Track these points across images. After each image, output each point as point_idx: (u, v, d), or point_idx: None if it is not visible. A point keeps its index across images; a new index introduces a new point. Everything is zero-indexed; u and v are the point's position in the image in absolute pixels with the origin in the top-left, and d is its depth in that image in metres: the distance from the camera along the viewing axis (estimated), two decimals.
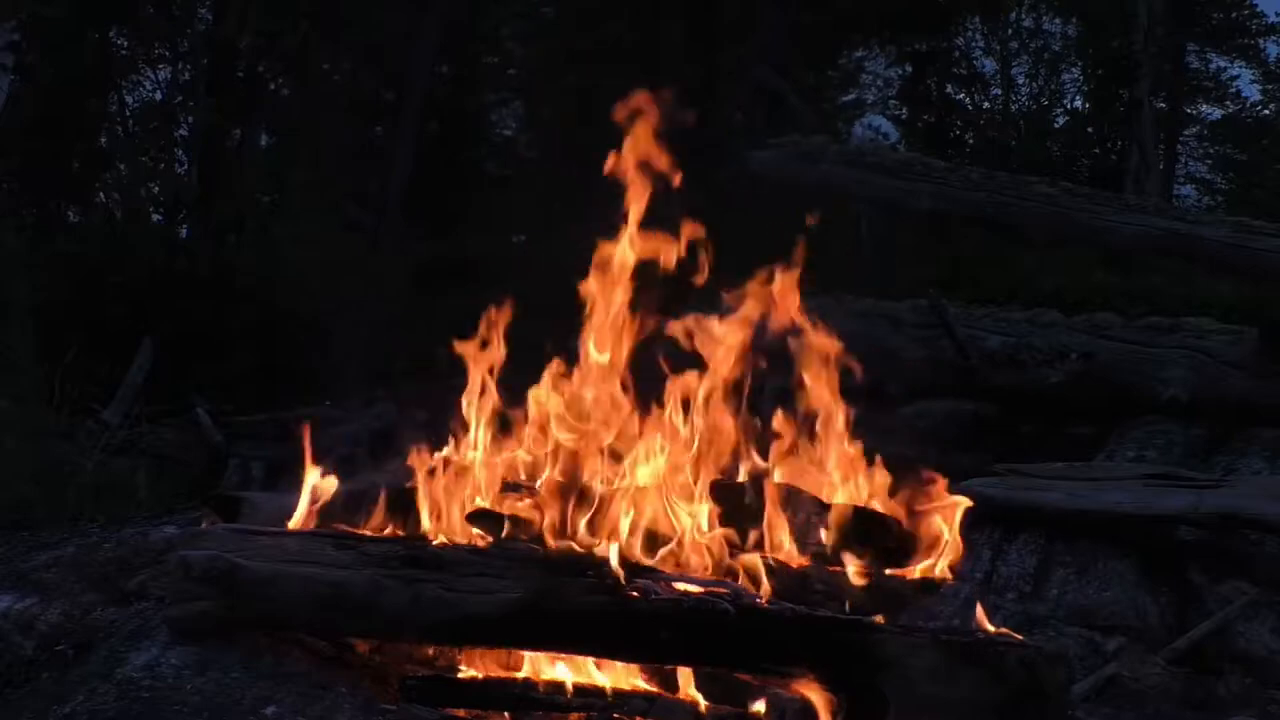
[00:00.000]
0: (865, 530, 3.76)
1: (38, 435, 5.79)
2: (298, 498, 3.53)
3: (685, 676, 3.13)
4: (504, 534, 3.34)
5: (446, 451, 3.63)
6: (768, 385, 4.02)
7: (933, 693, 2.80)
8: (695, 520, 3.52)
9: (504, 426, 3.76)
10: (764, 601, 3.02)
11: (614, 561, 3.01)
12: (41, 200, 14.29)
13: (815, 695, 2.94)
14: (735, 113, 12.93)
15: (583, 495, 3.46)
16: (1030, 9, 22.08)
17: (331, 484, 3.51)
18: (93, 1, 13.00)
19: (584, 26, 13.68)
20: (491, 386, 3.73)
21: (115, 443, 6.31)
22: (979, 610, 3.15)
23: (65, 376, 6.34)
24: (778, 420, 3.89)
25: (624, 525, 3.41)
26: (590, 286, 3.78)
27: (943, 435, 5.66)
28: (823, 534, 3.72)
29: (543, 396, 3.76)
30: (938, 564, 3.69)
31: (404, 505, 3.53)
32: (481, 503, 3.48)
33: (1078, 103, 22.27)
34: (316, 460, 3.50)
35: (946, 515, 3.69)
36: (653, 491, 3.55)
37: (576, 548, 3.17)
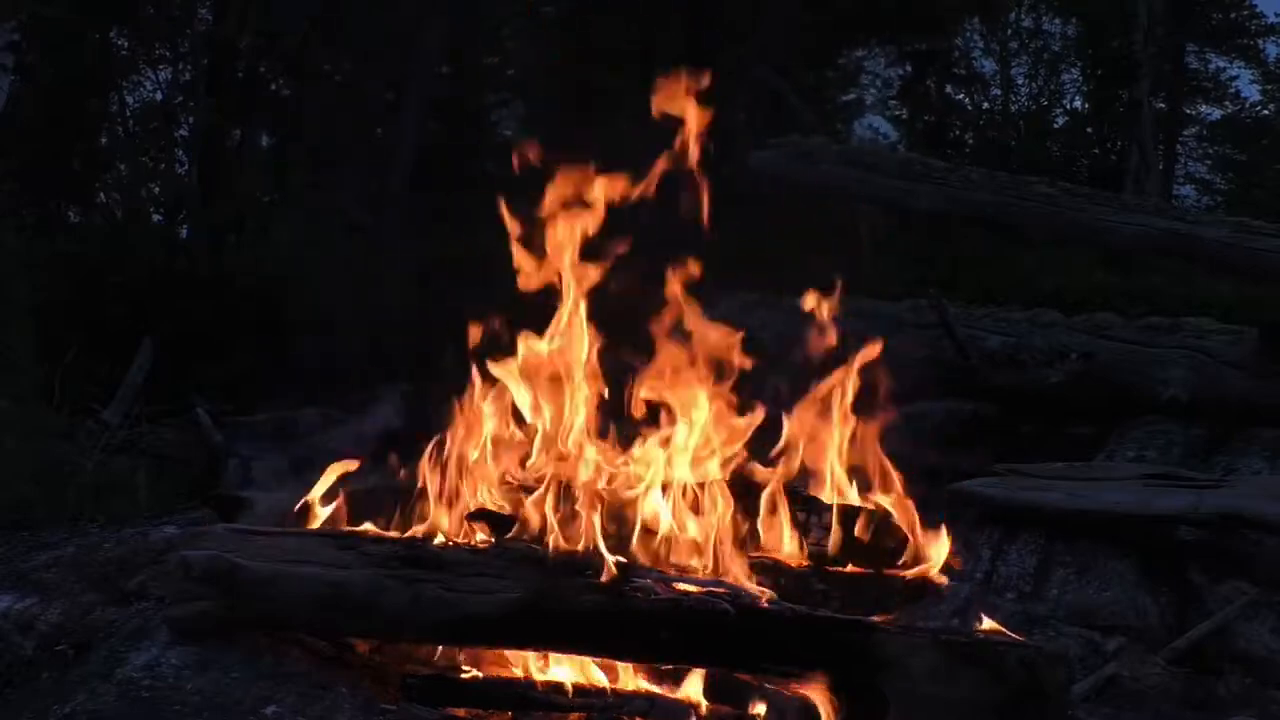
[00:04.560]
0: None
1: (38, 435, 5.78)
2: (298, 498, 3.53)
3: (690, 677, 3.13)
4: (505, 534, 3.34)
5: (447, 451, 3.64)
6: (768, 384, 4.03)
7: (933, 693, 2.80)
8: (696, 521, 3.52)
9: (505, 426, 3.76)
10: (764, 601, 3.03)
11: (613, 562, 3.01)
12: (41, 200, 14.28)
13: (815, 695, 2.94)
14: (735, 113, 12.93)
15: (583, 495, 3.46)
16: (1030, 9, 22.07)
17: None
18: (93, 1, 13.00)
19: (584, 26, 13.68)
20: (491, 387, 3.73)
21: (115, 443, 6.30)
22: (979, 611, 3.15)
23: (65, 376, 6.34)
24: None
25: (624, 525, 3.41)
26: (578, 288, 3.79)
27: (943, 435, 5.65)
28: (823, 534, 3.73)
29: (543, 396, 3.77)
30: (931, 567, 3.70)
31: (405, 505, 3.53)
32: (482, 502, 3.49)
33: (1078, 103, 22.27)
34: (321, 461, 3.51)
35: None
36: (654, 491, 3.55)
37: (576, 548, 3.17)
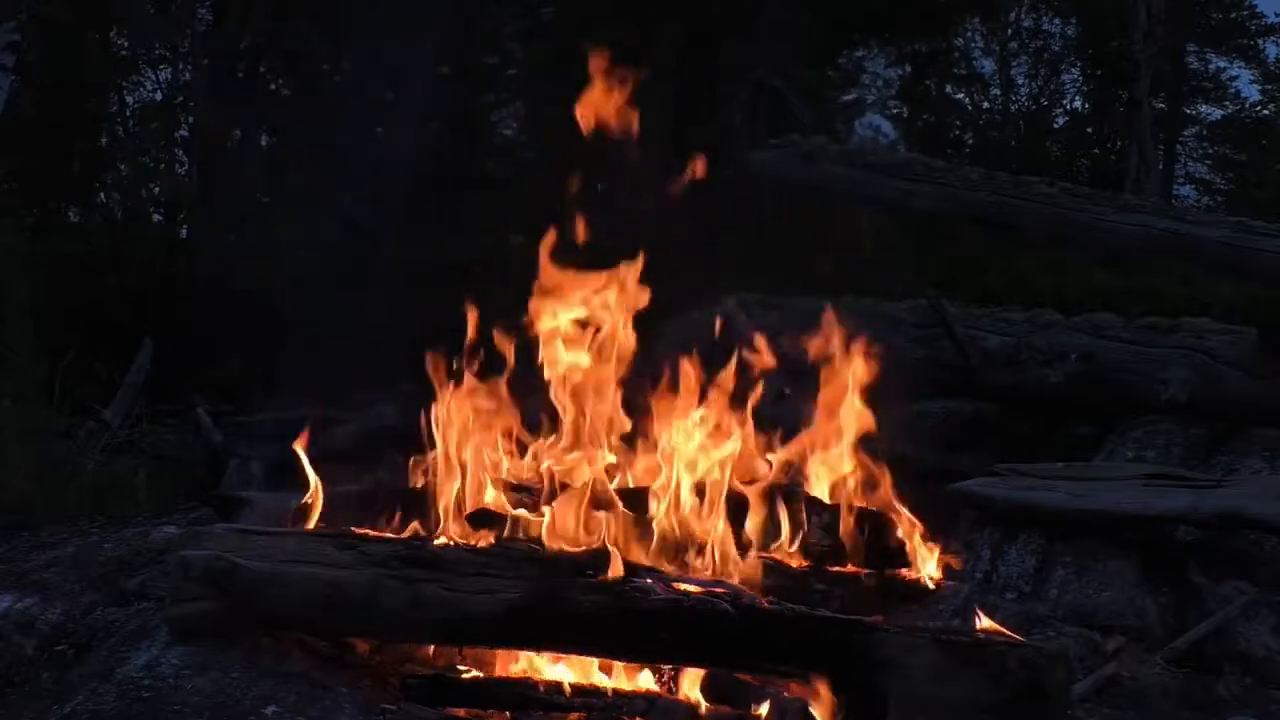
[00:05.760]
0: (865, 530, 3.78)
1: (38, 435, 5.79)
2: (297, 498, 3.54)
3: (689, 677, 3.13)
4: (504, 534, 3.35)
5: (447, 451, 3.64)
6: (768, 384, 4.03)
7: (933, 693, 2.80)
8: (698, 520, 3.52)
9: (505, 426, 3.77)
10: (764, 601, 3.03)
11: (614, 562, 3.01)
12: (41, 200, 14.26)
13: (815, 695, 2.94)
14: (735, 113, 12.92)
15: (584, 495, 3.46)
16: (1030, 9, 22.08)
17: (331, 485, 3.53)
18: (93, 1, 12.99)
19: (584, 26, 13.68)
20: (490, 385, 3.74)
21: (115, 443, 6.30)
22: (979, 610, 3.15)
23: (65, 376, 6.34)
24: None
25: (625, 525, 3.42)
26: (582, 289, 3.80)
27: (943, 435, 5.65)
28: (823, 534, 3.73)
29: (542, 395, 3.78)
30: (926, 567, 3.71)
31: (405, 505, 3.54)
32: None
33: (1078, 103, 22.28)
34: (318, 461, 3.51)
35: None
36: (655, 491, 3.55)
37: (576, 548, 3.18)
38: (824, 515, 3.79)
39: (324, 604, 2.97)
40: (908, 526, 3.83)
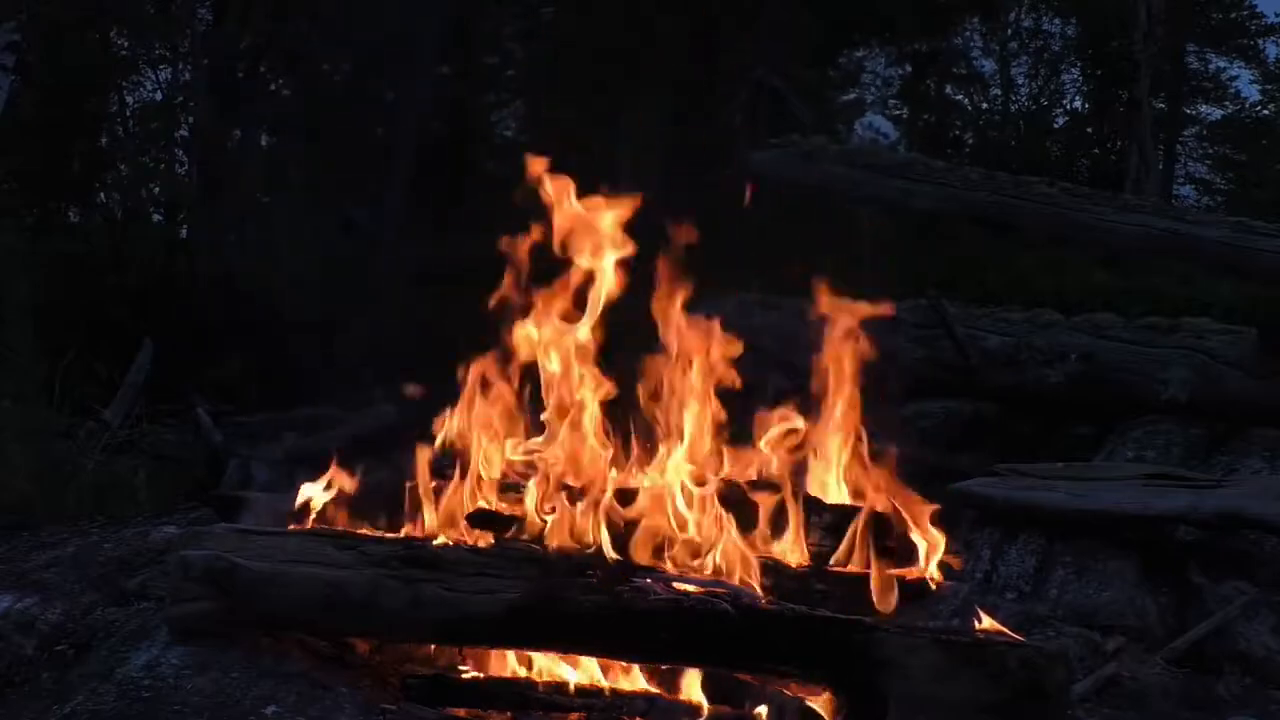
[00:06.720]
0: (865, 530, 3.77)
1: (38, 435, 5.79)
2: (297, 498, 3.54)
3: (689, 677, 3.13)
4: (505, 534, 3.34)
5: (447, 451, 3.64)
6: (769, 383, 4.03)
7: (933, 692, 2.80)
8: (697, 521, 3.52)
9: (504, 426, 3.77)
10: (764, 601, 3.03)
11: (613, 562, 3.02)
12: (41, 200, 14.27)
13: (815, 695, 2.94)
14: (735, 113, 12.93)
15: (584, 495, 3.46)
16: (1030, 9, 22.09)
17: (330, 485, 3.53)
18: (93, 1, 13.00)
19: (584, 26, 13.68)
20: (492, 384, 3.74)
21: (115, 443, 6.31)
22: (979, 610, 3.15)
23: (65, 376, 6.34)
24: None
25: (626, 525, 3.41)
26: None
27: (943, 435, 5.65)
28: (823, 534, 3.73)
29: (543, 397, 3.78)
30: (929, 566, 3.71)
31: (405, 505, 3.53)
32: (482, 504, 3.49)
33: (1078, 103, 22.29)
34: (319, 462, 3.52)
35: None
36: (656, 490, 3.55)
37: (576, 548, 3.18)
38: (824, 515, 3.79)
39: (324, 604, 2.97)
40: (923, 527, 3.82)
